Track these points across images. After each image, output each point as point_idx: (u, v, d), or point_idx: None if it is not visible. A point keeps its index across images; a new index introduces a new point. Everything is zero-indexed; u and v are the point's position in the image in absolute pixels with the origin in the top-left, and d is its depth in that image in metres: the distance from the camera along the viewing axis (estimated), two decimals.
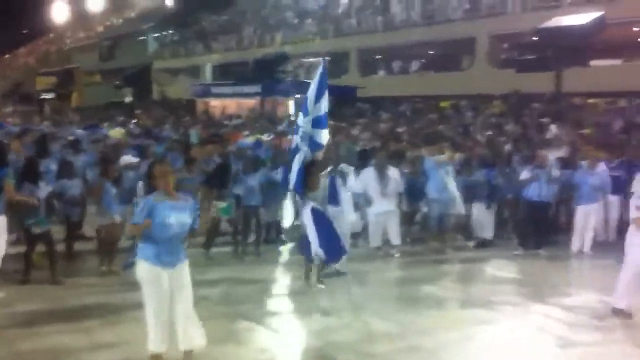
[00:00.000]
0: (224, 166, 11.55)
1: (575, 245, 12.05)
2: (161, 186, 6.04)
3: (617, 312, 8.19)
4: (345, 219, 10.08)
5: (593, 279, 10.88)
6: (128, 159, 11.56)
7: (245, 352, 6.93)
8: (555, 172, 12.03)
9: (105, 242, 10.09)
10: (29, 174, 9.31)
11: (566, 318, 8.24)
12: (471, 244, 12.45)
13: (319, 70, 9.73)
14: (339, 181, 9.99)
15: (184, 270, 6.14)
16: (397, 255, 11.45)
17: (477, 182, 12.30)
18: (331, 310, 8.47)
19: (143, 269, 6.00)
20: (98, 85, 62.44)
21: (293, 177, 9.41)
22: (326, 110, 9.50)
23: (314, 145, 9.40)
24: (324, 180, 9.40)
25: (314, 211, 9.19)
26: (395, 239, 11.47)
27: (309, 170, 9.25)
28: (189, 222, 6.08)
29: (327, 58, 10.05)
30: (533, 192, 11.77)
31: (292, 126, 13.04)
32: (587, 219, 12.00)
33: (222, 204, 10.93)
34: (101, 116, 30.76)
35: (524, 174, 11.96)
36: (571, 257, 11.95)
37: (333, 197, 9.61)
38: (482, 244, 12.33)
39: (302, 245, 9.55)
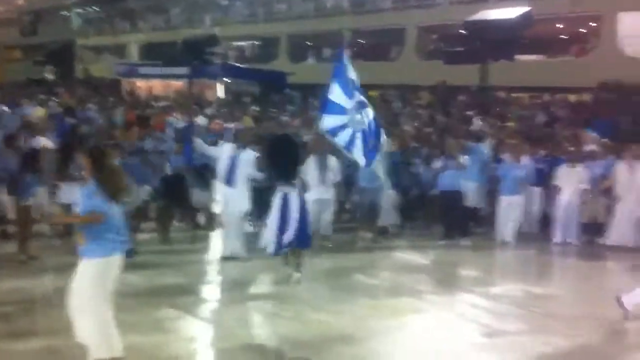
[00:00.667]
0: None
1: (498, 235, 12.34)
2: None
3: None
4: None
5: (515, 268, 11.19)
6: (45, 142, 11.11)
7: (173, 341, 6.80)
8: (464, 161, 12.34)
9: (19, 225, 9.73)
10: None
11: (492, 307, 8.43)
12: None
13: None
14: None
15: None
16: (330, 245, 11.42)
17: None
18: (264, 299, 8.42)
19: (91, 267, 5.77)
20: (18, 61, 60.21)
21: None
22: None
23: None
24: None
25: (285, 197, 9.09)
26: (327, 229, 11.48)
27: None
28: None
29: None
30: (444, 181, 12.19)
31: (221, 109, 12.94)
32: (510, 210, 12.28)
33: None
34: (21, 93, 29.56)
35: (435, 164, 12.52)
36: (495, 247, 12.23)
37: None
38: (384, 231, 12.45)
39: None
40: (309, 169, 11.10)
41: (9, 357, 6.18)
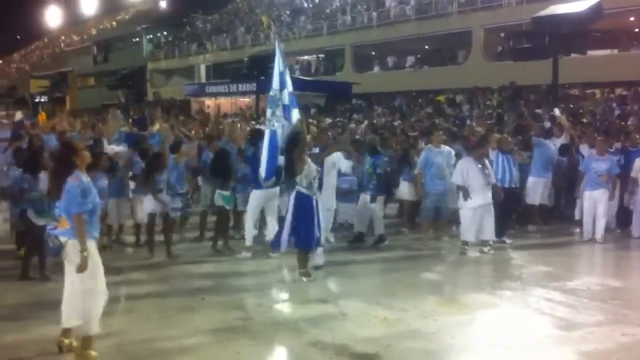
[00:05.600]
0: (224, 155, 11.15)
1: (585, 233, 11.93)
2: None
3: None
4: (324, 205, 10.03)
5: (593, 263, 10.86)
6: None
7: (242, 341, 6.70)
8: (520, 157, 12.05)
9: None
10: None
11: (567, 301, 8.08)
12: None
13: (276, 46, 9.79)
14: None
15: None
16: (387, 243, 11.26)
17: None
18: (326, 298, 8.28)
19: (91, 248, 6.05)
20: (92, 88, 62.30)
21: (263, 164, 9.34)
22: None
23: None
24: (311, 165, 9.06)
25: (299, 197, 8.96)
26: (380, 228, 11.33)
27: (292, 153, 8.97)
28: None
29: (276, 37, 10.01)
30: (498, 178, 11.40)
31: None
32: (594, 205, 11.76)
33: (225, 193, 10.69)
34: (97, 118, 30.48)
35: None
36: (570, 242, 11.97)
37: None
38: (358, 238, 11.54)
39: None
40: None
41: None
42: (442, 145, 11.82)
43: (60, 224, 6.01)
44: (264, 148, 9.43)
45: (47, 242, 6.15)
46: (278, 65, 9.43)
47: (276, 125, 9.24)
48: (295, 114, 9.37)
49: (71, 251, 5.90)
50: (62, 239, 5.94)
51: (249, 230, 10.28)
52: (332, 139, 12.99)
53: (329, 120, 22.82)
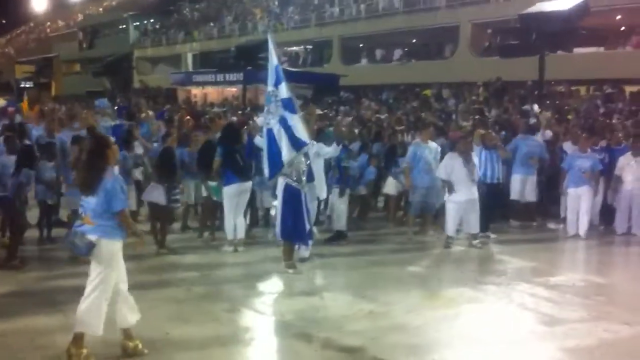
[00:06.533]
0: (210, 146, 11.14)
1: (569, 229, 12.02)
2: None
3: None
4: (315, 194, 10.15)
5: (576, 259, 11.00)
6: None
7: (228, 332, 6.76)
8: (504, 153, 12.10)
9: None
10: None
11: (551, 296, 8.18)
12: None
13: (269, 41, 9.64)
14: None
15: None
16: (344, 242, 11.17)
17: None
18: (312, 291, 8.34)
19: (117, 247, 5.89)
20: (77, 75, 61.82)
21: (266, 162, 9.31)
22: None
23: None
24: (299, 157, 9.10)
25: (288, 189, 9.00)
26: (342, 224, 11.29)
27: None
28: None
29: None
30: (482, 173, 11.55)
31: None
32: (578, 202, 11.85)
33: (213, 184, 10.69)
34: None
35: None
36: (553, 239, 12.02)
37: (309, 173, 9.51)
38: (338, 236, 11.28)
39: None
40: None
41: None
42: (429, 141, 11.87)
43: (85, 221, 5.85)
44: (264, 147, 9.38)
45: (73, 241, 5.88)
46: (272, 59, 9.35)
47: (272, 123, 9.15)
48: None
49: (103, 250, 5.78)
50: (92, 237, 5.75)
51: (228, 225, 10.25)
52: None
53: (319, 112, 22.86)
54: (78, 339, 5.77)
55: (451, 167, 10.77)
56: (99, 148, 5.89)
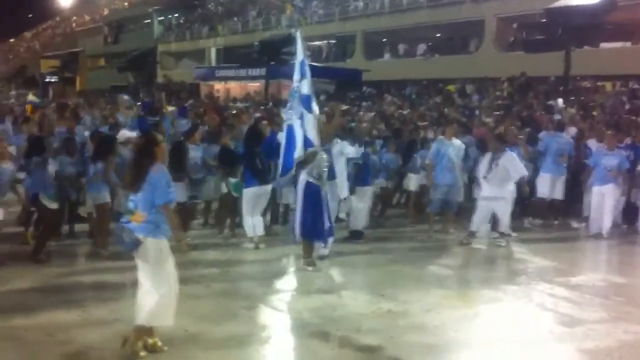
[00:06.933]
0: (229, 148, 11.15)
1: (592, 227, 11.85)
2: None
3: None
4: (336, 194, 10.15)
5: (597, 259, 10.90)
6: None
7: (246, 329, 6.77)
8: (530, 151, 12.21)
9: (97, 224, 9.86)
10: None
11: (571, 297, 8.11)
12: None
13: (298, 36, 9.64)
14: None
15: None
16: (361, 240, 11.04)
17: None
18: (331, 289, 8.33)
19: (164, 245, 5.93)
20: (102, 69, 62.26)
21: (281, 159, 9.31)
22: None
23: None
24: (321, 155, 9.09)
25: (308, 186, 8.98)
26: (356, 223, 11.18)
27: None
28: None
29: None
30: None
31: None
32: (602, 200, 11.72)
33: (234, 180, 10.71)
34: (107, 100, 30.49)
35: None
36: (575, 238, 11.99)
37: (330, 171, 9.50)
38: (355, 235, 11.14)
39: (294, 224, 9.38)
40: None
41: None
42: (454, 138, 11.75)
43: (134, 217, 5.88)
44: (282, 142, 9.39)
45: (120, 236, 5.94)
46: (298, 54, 9.32)
47: (293, 119, 9.15)
48: (315, 105, 9.22)
49: (149, 249, 5.81)
50: (139, 235, 5.79)
51: (247, 224, 10.24)
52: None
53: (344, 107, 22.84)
54: (147, 330, 5.94)
55: (488, 164, 10.78)
56: (148, 146, 5.95)
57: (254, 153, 10.07)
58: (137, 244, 5.78)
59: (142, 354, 5.87)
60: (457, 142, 11.67)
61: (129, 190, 5.98)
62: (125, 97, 17.55)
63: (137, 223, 5.84)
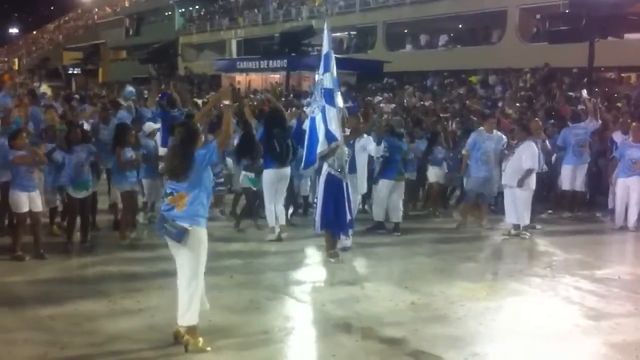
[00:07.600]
0: (249, 137, 11.16)
1: (617, 220, 11.78)
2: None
3: None
4: (357, 187, 10.14)
5: (624, 252, 10.79)
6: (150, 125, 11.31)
7: (269, 320, 6.79)
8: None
9: (124, 212, 9.96)
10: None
11: (597, 290, 8.04)
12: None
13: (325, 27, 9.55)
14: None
15: None
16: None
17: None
18: (354, 280, 8.32)
19: (204, 234, 5.94)
20: (124, 61, 62.61)
21: (304, 151, 9.34)
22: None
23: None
24: (342, 148, 9.07)
25: (329, 178, 8.98)
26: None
27: None
28: None
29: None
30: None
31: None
32: (628, 193, 11.61)
33: (250, 175, 10.74)
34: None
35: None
36: (600, 230, 11.88)
37: (351, 164, 9.51)
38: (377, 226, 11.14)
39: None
40: None
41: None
42: (495, 131, 11.60)
43: (174, 200, 5.84)
44: (306, 135, 9.38)
45: (163, 225, 5.87)
46: (324, 46, 9.27)
47: (316, 111, 9.13)
48: (339, 98, 9.13)
49: (195, 237, 5.81)
50: (185, 224, 5.76)
51: (269, 213, 10.22)
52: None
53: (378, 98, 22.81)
54: (192, 330, 5.91)
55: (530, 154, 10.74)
56: (192, 135, 5.94)
57: (273, 135, 10.06)
58: (183, 233, 5.77)
59: (208, 348, 5.87)
60: (498, 134, 11.49)
61: (174, 179, 5.90)
62: (129, 88, 17.53)
63: (179, 209, 5.81)
